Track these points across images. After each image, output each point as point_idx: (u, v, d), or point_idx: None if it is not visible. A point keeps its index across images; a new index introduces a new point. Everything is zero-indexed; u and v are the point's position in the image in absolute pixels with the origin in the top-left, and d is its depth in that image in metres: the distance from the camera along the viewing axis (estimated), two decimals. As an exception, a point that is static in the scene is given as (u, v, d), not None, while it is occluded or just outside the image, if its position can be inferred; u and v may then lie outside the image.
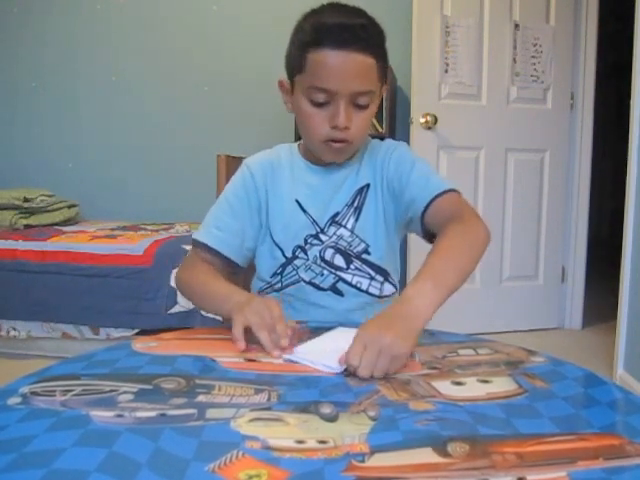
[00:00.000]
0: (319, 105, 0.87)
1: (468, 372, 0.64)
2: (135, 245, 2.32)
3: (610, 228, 5.35)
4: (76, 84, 3.34)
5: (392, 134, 2.82)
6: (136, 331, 2.25)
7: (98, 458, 0.43)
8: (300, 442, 0.47)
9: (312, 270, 0.96)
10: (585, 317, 2.89)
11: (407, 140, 2.60)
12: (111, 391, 0.57)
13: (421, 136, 2.55)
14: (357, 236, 0.96)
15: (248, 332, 0.74)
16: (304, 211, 0.97)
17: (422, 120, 2.53)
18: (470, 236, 0.83)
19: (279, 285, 0.98)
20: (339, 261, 0.96)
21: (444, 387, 0.60)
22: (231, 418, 0.51)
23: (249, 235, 0.99)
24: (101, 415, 0.51)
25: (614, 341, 2.10)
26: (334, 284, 0.96)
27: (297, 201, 0.98)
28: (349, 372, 0.64)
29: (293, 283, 0.97)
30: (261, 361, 0.68)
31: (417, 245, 2.50)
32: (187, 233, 2.60)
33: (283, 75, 0.95)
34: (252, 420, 0.51)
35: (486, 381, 0.62)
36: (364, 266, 0.96)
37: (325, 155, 0.94)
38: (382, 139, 1.04)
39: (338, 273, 0.96)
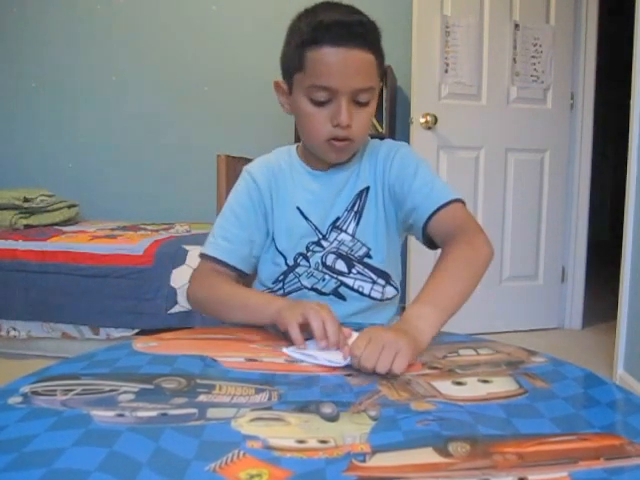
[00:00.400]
0: (320, 104, 0.86)
1: (469, 372, 0.64)
2: (135, 245, 2.32)
3: (610, 228, 5.35)
4: (76, 84, 3.34)
5: (392, 134, 2.83)
6: (136, 331, 2.25)
7: (99, 458, 0.43)
8: (301, 442, 0.47)
9: (314, 276, 0.96)
10: (585, 317, 2.89)
11: (407, 140, 2.60)
12: (111, 391, 0.57)
13: (421, 136, 2.55)
14: (358, 240, 0.95)
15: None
16: (306, 218, 0.96)
17: (422, 120, 2.53)
18: (473, 255, 0.83)
19: (281, 292, 0.98)
20: (341, 266, 0.95)
21: (445, 387, 0.60)
22: (232, 418, 0.51)
23: (257, 243, 0.98)
24: (102, 415, 0.51)
25: (614, 341, 2.10)
26: (336, 289, 0.96)
27: (298, 208, 0.97)
28: (352, 368, 0.64)
29: (295, 290, 0.97)
30: (262, 361, 0.68)
31: (417, 246, 2.49)
32: (187, 233, 2.60)
33: (280, 75, 0.94)
34: (253, 420, 0.51)
35: (487, 381, 0.62)
36: (366, 270, 0.96)
37: (327, 155, 0.93)
38: (382, 139, 1.03)
39: (340, 278, 0.95)
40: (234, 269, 0.95)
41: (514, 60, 2.66)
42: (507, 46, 2.64)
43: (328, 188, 0.97)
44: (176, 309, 2.20)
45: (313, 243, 0.96)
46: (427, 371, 0.65)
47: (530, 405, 0.55)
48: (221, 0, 3.18)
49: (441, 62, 2.56)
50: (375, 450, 0.45)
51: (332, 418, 0.52)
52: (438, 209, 0.89)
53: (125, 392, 0.56)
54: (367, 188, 0.97)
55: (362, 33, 0.84)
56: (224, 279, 0.93)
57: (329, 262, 0.95)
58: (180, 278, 2.20)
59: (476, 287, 0.81)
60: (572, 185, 2.83)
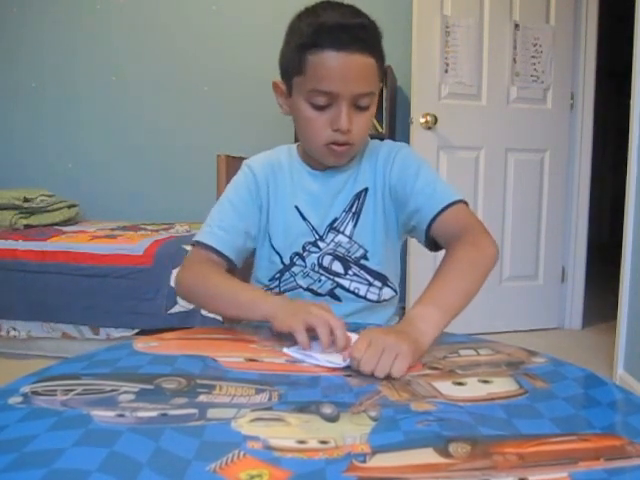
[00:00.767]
0: (320, 108, 0.85)
1: (469, 372, 0.64)
2: (135, 245, 2.32)
3: (610, 228, 5.35)
4: (76, 84, 3.34)
5: (392, 134, 2.83)
6: (136, 331, 2.25)
7: (99, 458, 0.43)
8: (301, 442, 0.47)
9: (310, 277, 0.96)
10: (585, 317, 2.89)
11: (407, 140, 2.60)
12: (112, 391, 0.57)
13: (421, 136, 2.55)
14: (355, 242, 0.95)
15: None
16: (304, 218, 0.96)
17: (422, 120, 2.53)
18: (477, 256, 0.82)
19: (277, 290, 0.98)
20: (337, 267, 0.95)
21: (445, 387, 0.60)
22: (232, 418, 0.51)
23: (251, 236, 0.97)
24: (102, 415, 0.51)
25: (614, 341, 2.10)
26: (332, 290, 0.95)
27: (297, 207, 0.96)
28: (351, 369, 0.64)
29: (291, 289, 0.97)
30: (262, 361, 0.68)
31: (417, 248, 2.49)
32: (187, 233, 2.60)
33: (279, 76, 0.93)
34: (253, 420, 0.51)
35: (487, 381, 0.62)
36: (362, 272, 0.95)
37: (326, 159, 0.93)
38: (382, 139, 1.03)
39: (336, 279, 0.95)
40: (227, 259, 0.92)
41: (514, 60, 2.66)
42: (507, 46, 2.64)
43: (327, 189, 0.97)
44: (176, 309, 2.20)
45: (310, 243, 0.96)
46: (427, 371, 0.65)
47: (530, 405, 0.55)
48: (221, 0, 3.18)
49: (441, 62, 2.56)
50: (375, 450, 0.45)
51: (332, 418, 0.52)
52: (442, 210, 0.88)
53: (125, 392, 0.56)
54: (366, 189, 0.96)
55: (364, 37, 0.83)
56: (216, 269, 0.90)
57: (325, 263, 0.95)
58: (180, 278, 2.20)
59: (480, 288, 0.80)
60: (572, 185, 2.83)
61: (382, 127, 2.79)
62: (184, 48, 3.23)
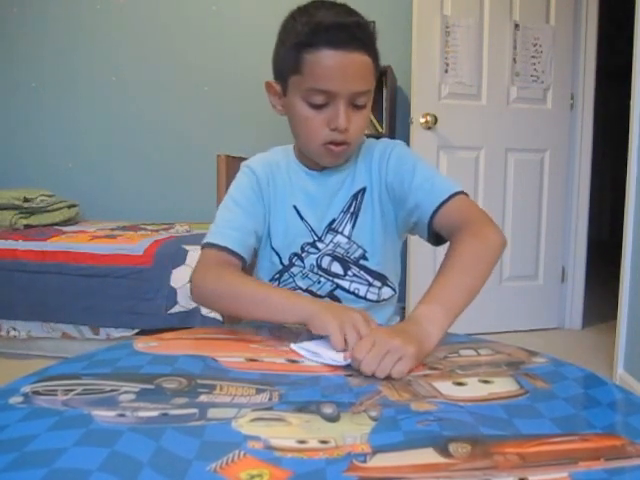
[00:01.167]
0: (317, 107, 0.85)
1: (469, 372, 0.64)
2: (135, 245, 2.32)
3: (610, 228, 5.35)
4: (76, 84, 3.34)
5: (392, 134, 2.83)
6: (136, 331, 2.25)
7: (100, 457, 0.43)
8: (302, 442, 0.47)
9: (309, 278, 0.95)
10: (585, 317, 2.89)
11: (407, 140, 2.60)
12: (112, 391, 0.57)
13: (421, 136, 2.55)
14: (354, 242, 0.95)
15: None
16: (302, 218, 0.96)
17: (422, 120, 2.53)
18: (481, 248, 0.81)
19: None
20: (336, 268, 0.94)
21: (445, 387, 0.60)
22: (233, 418, 0.51)
23: (258, 236, 0.96)
24: (103, 415, 0.51)
25: (614, 341, 2.10)
26: (331, 291, 0.95)
27: (295, 207, 0.96)
28: (352, 369, 0.64)
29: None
30: (263, 361, 0.68)
31: (417, 247, 2.50)
32: (187, 233, 2.60)
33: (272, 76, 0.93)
34: (254, 420, 0.51)
35: (487, 381, 0.62)
36: (362, 272, 0.95)
37: (323, 159, 0.92)
38: (377, 138, 1.03)
39: (335, 280, 0.95)
40: (241, 259, 0.90)
41: (514, 60, 2.66)
42: (507, 46, 2.64)
43: (324, 189, 0.97)
44: (176, 309, 2.20)
45: (308, 244, 0.95)
46: (428, 372, 0.65)
47: (531, 405, 0.55)
48: (221, 0, 3.19)
49: (441, 62, 2.56)
50: (376, 450, 0.45)
51: (333, 418, 0.52)
52: (442, 203, 0.87)
53: (126, 392, 0.56)
54: (363, 189, 0.96)
55: (360, 35, 0.83)
56: (235, 271, 0.87)
57: (324, 264, 0.94)
58: (180, 278, 2.20)
59: (486, 280, 0.79)
60: (572, 185, 2.83)
61: (382, 127, 2.79)
62: (184, 48, 3.23)
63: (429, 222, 0.88)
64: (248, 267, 1.03)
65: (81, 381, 0.59)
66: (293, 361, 0.68)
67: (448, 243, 0.87)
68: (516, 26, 2.63)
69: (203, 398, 0.56)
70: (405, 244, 2.57)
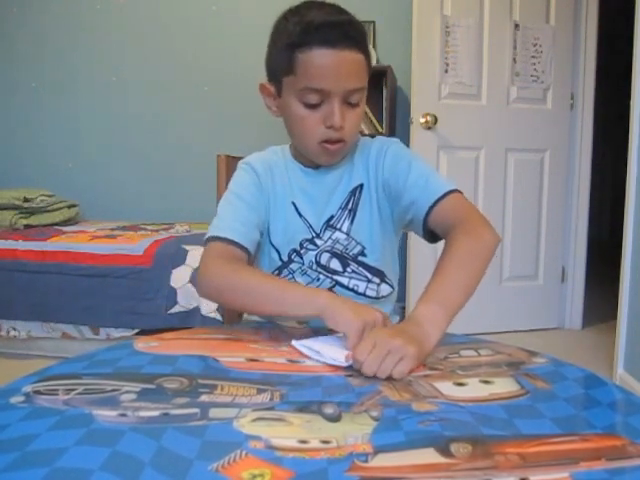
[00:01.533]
0: (312, 106, 0.86)
1: (470, 373, 0.64)
2: (135, 245, 2.32)
3: (610, 228, 5.35)
4: (76, 84, 3.34)
5: (392, 134, 2.83)
6: (136, 331, 2.25)
7: (101, 457, 0.43)
8: (303, 442, 0.47)
9: (308, 275, 0.96)
10: (585, 317, 2.89)
11: (407, 140, 2.60)
12: (113, 390, 0.57)
13: (421, 136, 2.55)
14: (353, 239, 0.95)
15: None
16: (300, 215, 0.96)
17: (422, 120, 2.53)
18: (476, 245, 0.82)
19: None
20: (335, 265, 0.95)
21: (446, 388, 0.60)
22: (234, 418, 0.51)
23: (260, 230, 0.96)
24: (104, 414, 0.51)
25: (614, 341, 2.10)
26: (330, 288, 0.95)
27: (294, 204, 0.97)
28: (353, 369, 0.64)
29: None
30: (264, 361, 0.68)
31: (417, 245, 2.50)
32: (187, 233, 2.60)
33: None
34: (255, 420, 0.51)
35: (488, 382, 0.62)
36: (360, 269, 0.95)
37: (319, 158, 0.93)
38: (373, 137, 1.03)
39: (335, 277, 0.95)
40: (247, 252, 0.89)
41: (514, 60, 2.66)
42: (507, 46, 2.64)
43: (321, 186, 0.97)
44: (176, 309, 2.20)
45: (307, 240, 0.96)
46: (428, 372, 0.65)
47: (531, 406, 0.55)
48: (221, 0, 3.18)
49: (441, 62, 2.56)
50: (377, 450, 0.45)
51: (334, 418, 0.52)
52: (437, 200, 0.87)
53: (127, 392, 0.56)
54: (360, 186, 0.96)
55: (352, 33, 0.83)
56: (244, 264, 0.87)
57: (323, 261, 0.95)
58: (180, 278, 2.20)
59: (481, 278, 0.80)
60: (572, 185, 2.83)
61: (382, 127, 2.79)
62: (184, 48, 3.23)
63: (424, 219, 0.89)
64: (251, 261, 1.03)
65: (82, 381, 0.60)
66: (294, 361, 0.68)
67: (443, 241, 0.87)
68: (516, 26, 2.63)
69: (204, 398, 0.56)
70: (405, 243, 2.57)
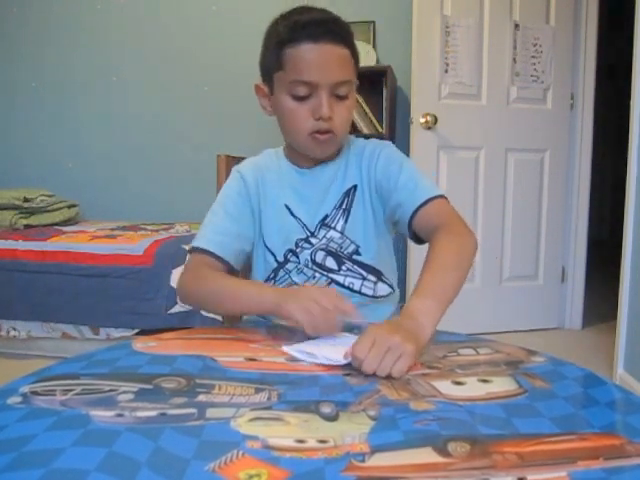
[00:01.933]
0: (301, 99, 0.89)
1: (468, 372, 0.64)
2: (135, 245, 2.32)
3: (610, 228, 5.35)
4: (76, 84, 3.34)
5: (392, 134, 2.83)
6: (136, 331, 2.25)
7: (98, 457, 0.43)
8: (300, 442, 0.47)
9: (304, 273, 0.97)
10: (585, 317, 2.88)
11: (407, 140, 2.60)
12: (111, 391, 0.57)
13: (421, 136, 2.55)
14: (347, 237, 0.97)
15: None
16: (293, 216, 0.98)
17: (422, 120, 2.52)
18: (460, 248, 0.85)
19: None
20: (330, 263, 0.96)
21: (444, 387, 0.60)
22: (231, 418, 0.51)
23: (247, 238, 0.99)
24: (101, 415, 0.51)
25: (614, 341, 2.10)
26: (326, 286, 0.96)
27: (286, 206, 0.98)
28: (351, 368, 0.64)
29: (286, 287, 0.97)
30: (262, 360, 0.68)
31: (417, 246, 2.49)
32: (187, 233, 2.60)
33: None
34: (252, 419, 0.51)
35: (486, 381, 0.62)
36: (355, 267, 0.97)
37: (311, 150, 0.95)
38: (381, 139, 1.05)
39: (330, 275, 0.96)
40: (224, 262, 0.94)
41: (514, 60, 2.65)
42: (507, 46, 2.64)
43: (315, 185, 0.99)
44: (176, 309, 2.20)
45: (302, 240, 0.97)
46: (427, 371, 0.65)
47: (530, 405, 0.55)
48: (221, 0, 3.18)
49: (441, 62, 2.56)
50: (374, 450, 0.45)
51: (331, 418, 0.51)
52: (423, 204, 0.91)
53: (124, 392, 0.56)
54: (354, 187, 0.99)
55: (337, 30, 0.88)
56: (212, 271, 0.92)
57: (319, 259, 0.96)
58: (180, 278, 2.20)
59: (467, 275, 0.83)
60: (572, 185, 2.83)
61: (382, 127, 2.79)
62: (184, 48, 3.23)
63: (409, 221, 0.92)
64: (243, 271, 1.04)
65: (80, 381, 0.59)
66: (292, 360, 0.68)
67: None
68: (516, 26, 2.63)
69: (202, 398, 0.56)
70: (405, 244, 2.57)
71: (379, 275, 0.98)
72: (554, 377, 0.63)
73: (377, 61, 2.94)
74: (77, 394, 0.56)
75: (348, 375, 0.63)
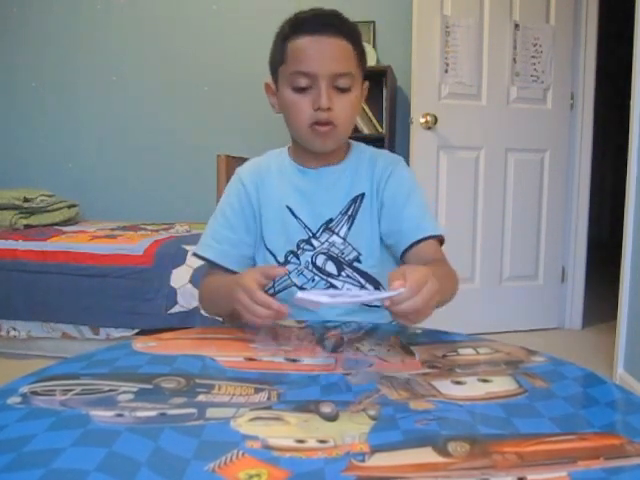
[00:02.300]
0: (301, 90, 0.90)
1: (468, 371, 0.64)
2: (135, 245, 2.32)
3: (610, 228, 5.35)
4: (76, 84, 3.34)
5: (392, 134, 2.83)
6: (136, 331, 2.25)
7: (97, 458, 0.43)
8: (300, 441, 0.47)
9: (304, 275, 0.97)
10: (585, 317, 2.88)
11: (407, 140, 2.60)
12: (111, 391, 0.57)
13: (421, 136, 2.55)
14: (349, 244, 0.97)
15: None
16: (295, 217, 0.98)
17: (422, 120, 2.52)
18: (451, 275, 0.90)
19: (272, 290, 0.99)
20: (330, 268, 0.97)
21: (444, 386, 0.59)
22: (231, 417, 0.51)
23: (247, 244, 1.00)
24: (101, 415, 0.51)
25: (614, 341, 2.10)
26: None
27: (288, 207, 0.99)
28: (351, 365, 0.64)
29: (285, 288, 0.98)
30: (261, 360, 0.68)
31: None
32: (187, 233, 2.60)
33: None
34: (252, 419, 0.51)
35: (486, 380, 0.62)
36: (355, 274, 0.97)
37: (312, 142, 0.95)
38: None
39: (329, 280, 0.97)
40: (225, 269, 0.98)
41: (514, 60, 2.65)
42: (507, 46, 2.64)
43: (317, 186, 0.99)
44: (176, 309, 2.20)
45: (303, 241, 0.98)
46: (427, 370, 0.65)
47: (530, 404, 0.55)
48: (221, 0, 3.18)
49: (441, 62, 2.56)
50: (374, 450, 0.45)
51: (331, 418, 0.51)
52: (423, 239, 0.93)
53: (124, 392, 0.56)
54: (363, 195, 0.99)
55: (337, 23, 0.90)
56: (210, 276, 0.98)
57: (319, 263, 0.97)
58: (180, 278, 2.20)
59: (449, 299, 0.86)
60: (572, 185, 2.83)
61: (382, 127, 2.79)
62: (184, 48, 3.23)
63: (403, 252, 0.95)
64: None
65: (80, 381, 0.59)
66: (292, 360, 0.68)
67: None
68: (516, 26, 2.63)
69: (201, 398, 0.56)
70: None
71: (377, 285, 0.99)
72: (554, 377, 0.63)
73: (377, 61, 2.94)
74: (77, 394, 0.56)
75: (348, 375, 0.63)
